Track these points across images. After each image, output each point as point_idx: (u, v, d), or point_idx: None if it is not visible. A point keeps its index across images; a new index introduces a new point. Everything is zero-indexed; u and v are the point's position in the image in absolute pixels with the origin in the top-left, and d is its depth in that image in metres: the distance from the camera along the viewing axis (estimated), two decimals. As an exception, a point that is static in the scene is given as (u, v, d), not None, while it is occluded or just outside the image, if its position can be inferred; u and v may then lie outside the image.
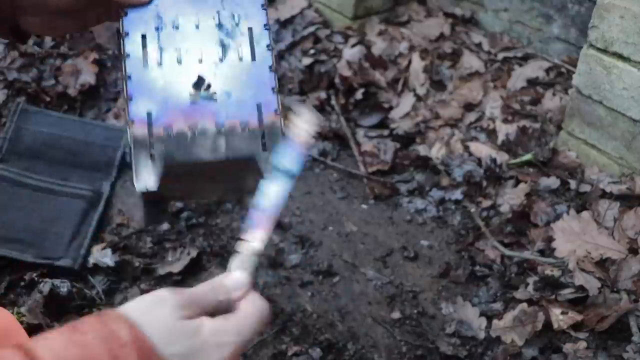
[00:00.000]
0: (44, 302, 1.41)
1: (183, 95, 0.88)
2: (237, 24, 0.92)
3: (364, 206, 1.82)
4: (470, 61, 2.21)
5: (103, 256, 1.55)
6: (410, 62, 2.19)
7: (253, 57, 0.91)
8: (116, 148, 1.83)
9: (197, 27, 0.91)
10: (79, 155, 1.79)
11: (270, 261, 1.61)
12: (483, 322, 1.49)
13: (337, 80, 2.12)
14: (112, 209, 1.71)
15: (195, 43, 0.91)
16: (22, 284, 1.47)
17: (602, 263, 1.52)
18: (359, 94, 2.08)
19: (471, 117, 2.03)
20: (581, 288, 1.48)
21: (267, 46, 0.92)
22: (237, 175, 0.94)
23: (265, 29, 0.92)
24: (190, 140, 0.86)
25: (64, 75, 1.99)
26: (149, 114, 0.86)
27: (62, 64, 2.01)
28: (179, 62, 0.89)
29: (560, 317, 1.43)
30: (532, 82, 2.12)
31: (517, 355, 1.41)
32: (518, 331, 1.44)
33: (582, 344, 1.39)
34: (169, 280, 1.54)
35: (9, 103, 1.88)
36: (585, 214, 1.63)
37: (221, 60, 0.90)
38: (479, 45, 2.29)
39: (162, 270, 1.55)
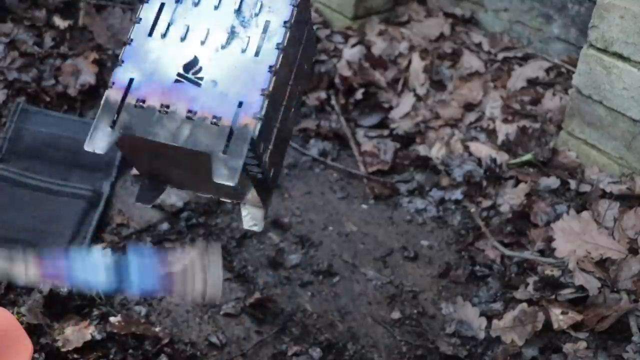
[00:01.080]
0: (44, 302, 1.41)
1: (170, 72, 0.86)
2: (256, 14, 0.89)
3: (364, 206, 1.82)
4: (470, 61, 2.21)
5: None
6: (410, 62, 2.19)
7: (257, 53, 0.87)
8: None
9: (215, 7, 0.89)
10: (79, 155, 1.79)
11: (270, 261, 1.61)
12: (483, 322, 1.49)
13: (337, 80, 2.12)
14: (112, 209, 1.71)
15: (206, 24, 0.88)
16: (22, 284, 1.47)
17: (602, 263, 1.52)
18: (359, 94, 2.08)
19: (471, 117, 2.03)
20: (581, 288, 1.48)
21: (277, 45, 0.88)
22: (194, 169, 0.91)
23: (284, 26, 0.88)
24: (156, 119, 0.84)
25: (64, 75, 1.99)
26: (130, 81, 0.86)
27: (62, 64, 2.01)
28: (182, 39, 0.88)
29: (560, 317, 1.43)
30: (532, 82, 2.12)
31: (517, 355, 1.41)
32: (518, 331, 1.44)
33: (582, 344, 1.39)
34: (169, 280, 1.54)
35: (9, 103, 1.88)
36: (585, 214, 1.63)
37: (223, 47, 0.88)
38: (479, 45, 2.29)
39: (162, 270, 1.55)
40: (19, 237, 1.55)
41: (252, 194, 0.98)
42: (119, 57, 0.86)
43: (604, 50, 1.69)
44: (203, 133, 0.84)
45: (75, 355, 1.34)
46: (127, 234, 1.64)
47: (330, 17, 2.40)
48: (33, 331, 1.34)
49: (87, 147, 0.84)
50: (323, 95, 2.10)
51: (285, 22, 0.88)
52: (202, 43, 0.87)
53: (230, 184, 0.82)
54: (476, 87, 2.11)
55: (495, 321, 1.47)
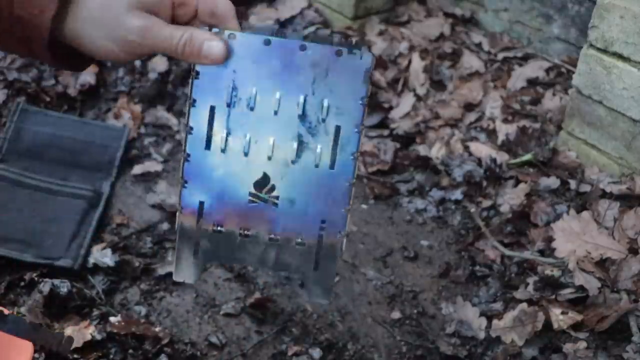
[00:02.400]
0: (44, 302, 1.41)
1: (242, 192, 0.79)
2: (323, 119, 0.78)
3: (364, 206, 1.82)
4: (470, 61, 2.21)
5: (103, 256, 1.55)
6: (410, 62, 2.19)
7: (332, 166, 0.79)
8: (116, 148, 1.83)
9: (275, 113, 0.78)
10: (79, 155, 1.79)
11: (270, 261, 1.61)
12: (483, 322, 1.49)
13: (337, 80, 2.12)
14: (112, 209, 1.71)
15: (269, 133, 0.78)
16: (22, 284, 1.47)
17: (602, 263, 1.52)
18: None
19: (471, 117, 2.04)
20: (581, 288, 1.48)
21: (352, 154, 0.79)
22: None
23: (356, 131, 0.79)
24: (239, 244, 0.80)
25: (64, 75, 1.99)
26: (201, 204, 0.80)
27: (62, 64, 2.01)
28: (246, 153, 0.78)
29: (560, 317, 1.43)
30: (532, 82, 2.12)
31: (517, 355, 1.41)
32: (518, 331, 1.44)
33: (582, 344, 1.39)
34: (168, 280, 1.54)
35: (9, 103, 1.88)
36: (585, 214, 1.63)
37: (293, 162, 0.78)
38: (479, 45, 2.29)
39: (162, 270, 1.55)
40: (19, 237, 1.55)
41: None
42: (181, 176, 0.80)
43: (604, 50, 1.69)
44: (290, 255, 0.80)
45: (75, 355, 1.34)
46: (127, 234, 1.64)
47: (330, 17, 2.40)
48: (33, 331, 1.34)
49: (177, 279, 0.82)
50: (323, 95, 2.10)
51: (357, 126, 0.79)
52: (269, 158, 0.79)
53: (325, 302, 0.82)
54: (476, 87, 2.11)
55: (495, 321, 1.47)
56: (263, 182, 0.79)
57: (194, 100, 0.77)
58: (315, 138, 0.78)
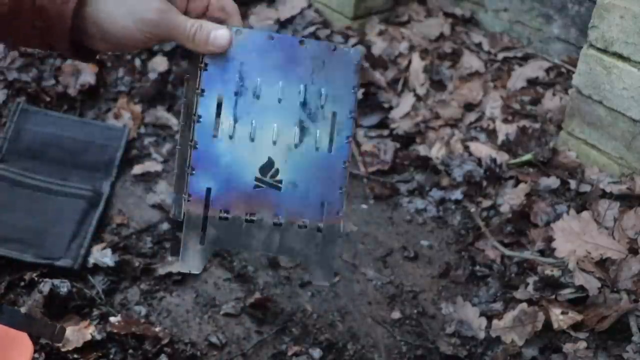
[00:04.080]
0: (44, 302, 1.41)
1: (248, 178, 0.82)
2: (322, 106, 0.84)
3: (364, 206, 1.82)
4: (470, 61, 2.21)
5: (103, 256, 1.55)
6: (410, 62, 2.19)
7: (330, 149, 0.84)
8: (116, 148, 1.83)
9: (279, 100, 0.83)
10: (79, 155, 1.79)
11: (270, 261, 1.61)
12: (483, 322, 1.49)
13: (337, 80, 2.12)
14: (112, 209, 1.71)
15: (274, 119, 0.83)
16: (22, 284, 1.47)
17: (602, 263, 1.52)
18: (359, 94, 2.08)
19: (471, 117, 2.04)
20: (581, 288, 1.48)
21: (347, 138, 0.85)
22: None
23: (350, 117, 0.85)
24: (244, 229, 0.82)
25: (64, 75, 1.99)
26: (208, 191, 0.81)
27: (62, 64, 2.01)
28: (252, 139, 0.82)
29: (560, 317, 1.43)
30: (532, 82, 2.12)
31: (517, 355, 1.41)
32: (518, 331, 1.44)
33: (582, 344, 1.39)
34: (169, 280, 1.54)
35: (9, 103, 1.88)
36: (585, 214, 1.63)
37: (296, 146, 0.84)
38: (479, 45, 2.29)
39: (162, 270, 1.55)
40: (19, 237, 1.55)
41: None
42: (188, 164, 0.82)
43: (604, 50, 1.69)
44: (293, 238, 0.84)
45: (75, 355, 1.34)
46: (127, 234, 1.64)
47: (330, 17, 2.40)
48: (33, 331, 1.34)
49: (183, 269, 0.82)
50: (323, 95, 2.10)
51: (350, 112, 0.85)
52: (274, 143, 0.83)
53: (327, 284, 0.85)
54: (476, 87, 2.11)
55: (495, 321, 1.47)
56: (268, 166, 0.83)
57: (202, 90, 0.81)
58: (315, 123, 0.84)
